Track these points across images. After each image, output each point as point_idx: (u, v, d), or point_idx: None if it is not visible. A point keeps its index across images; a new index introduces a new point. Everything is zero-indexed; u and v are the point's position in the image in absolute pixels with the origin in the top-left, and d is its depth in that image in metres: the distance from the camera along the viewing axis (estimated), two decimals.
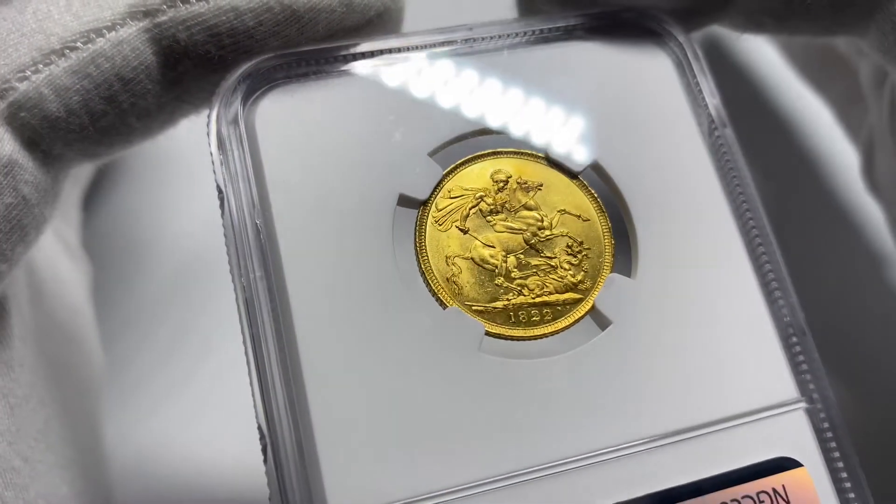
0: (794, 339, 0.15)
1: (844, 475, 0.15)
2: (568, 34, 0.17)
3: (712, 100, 0.17)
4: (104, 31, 0.14)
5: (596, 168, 0.16)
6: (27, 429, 0.16)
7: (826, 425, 0.15)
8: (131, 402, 0.24)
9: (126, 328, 0.25)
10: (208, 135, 0.15)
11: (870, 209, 0.21)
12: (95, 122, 0.15)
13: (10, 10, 0.15)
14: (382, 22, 0.16)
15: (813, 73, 0.21)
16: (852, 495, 0.14)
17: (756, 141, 0.17)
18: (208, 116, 0.15)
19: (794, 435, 0.15)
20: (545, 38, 0.17)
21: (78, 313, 0.20)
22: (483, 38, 0.16)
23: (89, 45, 0.14)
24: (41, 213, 0.15)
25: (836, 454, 0.15)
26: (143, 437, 0.24)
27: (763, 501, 0.14)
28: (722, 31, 0.18)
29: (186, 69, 0.15)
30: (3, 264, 0.14)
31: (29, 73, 0.14)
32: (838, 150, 0.24)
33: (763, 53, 0.22)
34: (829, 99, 0.21)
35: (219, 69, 0.15)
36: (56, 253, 0.20)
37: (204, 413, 0.24)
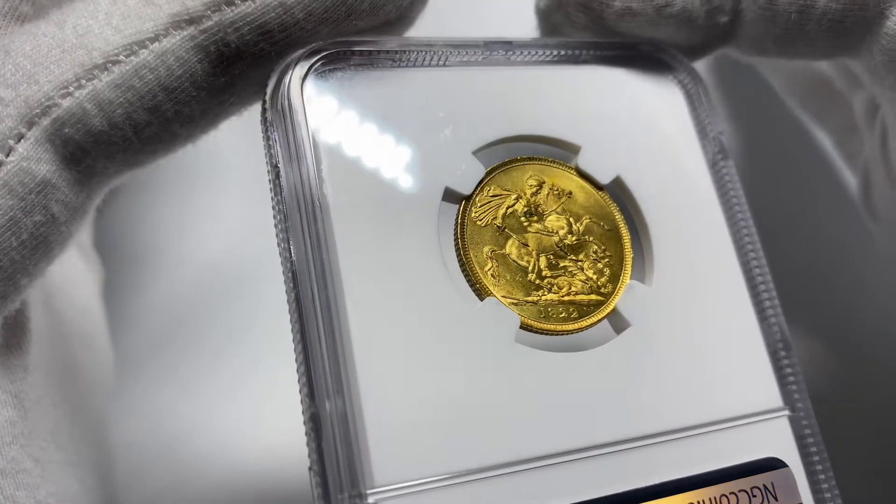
0: (783, 353, 0.17)
1: (822, 477, 0.16)
2: (592, 58, 0.18)
3: (718, 132, 0.18)
4: (147, 42, 0.14)
5: (618, 183, 0.17)
6: (39, 430, 0.16)
7: (808, 432, 0.16)
8: (140, 400, 0.24)
9: (136, 328, 0.25)
10: (264, 113, 0.15)
11: (864, 231, 0.23)
12: (139, 133, 0.15)
13: (49, 26, 0.15)
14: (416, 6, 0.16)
15: (812, 105, 0.23)
16: (828, 495, 0.16)
17: (754, 167, 0.18)
18: (263, 97, 0.15)
19: (780, 439, 0.16)
20: (573, 59, 0.18)
21: (89, 314, 0.20)
22: (521, 53, 0.17)
23: (132, 58, 0.14)
24: (68, 230, 0.15)
25: (816, 458, 0.16)
26: (152, 434, 0.24)
27: (755, 496, 0.16)
28: (726, 61, 0.20)
29: (241, 70, 0.15)
30: (24, 278, 0.14)
31: (72, 88, 0.14)
32: (840, 169, 0.27)
33: (762, 85, 0.24)
34: (828, 130, 0.23)
35: (272, 64, 0.15)
36: (69, 254, 0.20)
37: (211, 412, 0.24)
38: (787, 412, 0.17)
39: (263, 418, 0.24)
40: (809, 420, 0.17)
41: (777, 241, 0.18)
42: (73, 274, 0.19)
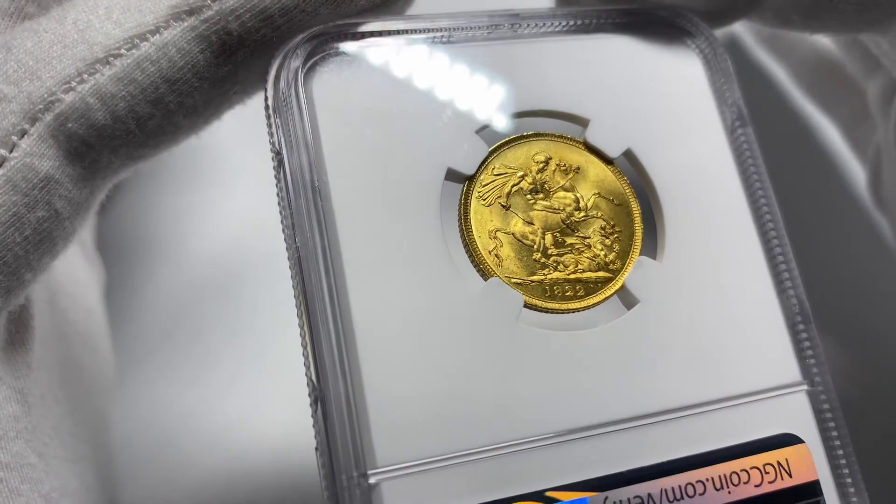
0: (801, 327, 0.17)
1: (840, 453, 0.16)
2: (604, 27, 0.18)
3: (737, 99, 0.18)
4: (148, 35, 0.14)
5: (629, 156, 0.17)
6: (42, 426, 0.16)
7: (826, 406, 0.16)
8: (142, 390, 0.25)
9: (138, 328, 0.26)
10: (266, 99, 0.15)
11: (876, 216, 0.22)
12: (142, 125, 0.15)
13: (50, 22, 0.15)
14: None
15: (821, 91, 0.23)
16: (846, 471, 0.16)
17: (770, 144, 0.18)
18: (266, 81, 0.15)
19: (797, 414, 0.16)
20: (584, 29, 0.18)
21: (91, 313, 0.20)
22: (528, 25, 0.17)
23: (133, 51, 0.14)
24: (71, 225, 0.15)
25: (834, 433, 0.16)
26: (154, 423, 0.24)
27: (768, 472, 0.15)
28: (734, 43, 0.19)
29: (243, 58, 0.15)
30: (28, 273, 0.15)
31: (74, 83, 0.14)
32: (846, 159, 0.26)
33: (771, 68, 0.23)
34: (836, 118, 0.23)
35: (274, 50, 0.15)
36: (72, 254, 0.20)
37: (213, 401, 0.25)
38: (805, 387, 0.16)
39: (265, 408, 0.24)
40: (829, 395, 0.16)
41: None
42: (76, 274, 0.20)
